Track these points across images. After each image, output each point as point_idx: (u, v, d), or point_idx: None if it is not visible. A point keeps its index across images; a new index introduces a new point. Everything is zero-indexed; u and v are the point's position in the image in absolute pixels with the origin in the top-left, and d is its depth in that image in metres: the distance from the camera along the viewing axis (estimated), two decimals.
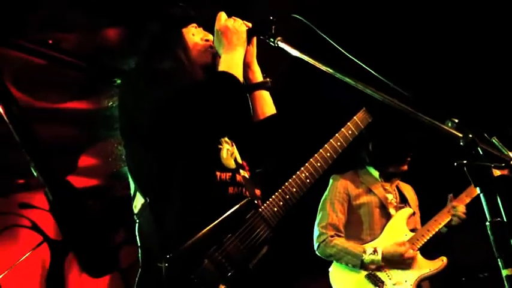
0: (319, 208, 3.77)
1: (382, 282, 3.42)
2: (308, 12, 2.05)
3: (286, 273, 4.84)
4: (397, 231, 3.60)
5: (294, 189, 2.17)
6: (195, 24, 2.27)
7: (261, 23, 2.15)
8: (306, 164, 2.25)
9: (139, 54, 2.26)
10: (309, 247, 3.72)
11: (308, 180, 2.21)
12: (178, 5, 2.30)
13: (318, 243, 3.64)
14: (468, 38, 4.32)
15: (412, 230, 3.64)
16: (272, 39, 2.08)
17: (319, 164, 2.25)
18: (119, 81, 2.21)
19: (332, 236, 3.59)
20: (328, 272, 3.67)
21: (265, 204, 2.10)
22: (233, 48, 2.10)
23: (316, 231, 3.68)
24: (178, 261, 1.83)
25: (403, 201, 3.80)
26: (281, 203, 2.13)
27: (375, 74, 1.86)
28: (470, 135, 1.57)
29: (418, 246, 3.53)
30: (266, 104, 2.28)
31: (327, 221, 3.65)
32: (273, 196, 2.14)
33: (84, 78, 4.57)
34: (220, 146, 2.09)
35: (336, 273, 3.61)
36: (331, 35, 1.97)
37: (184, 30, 2.23)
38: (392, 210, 3.69)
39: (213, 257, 1.88)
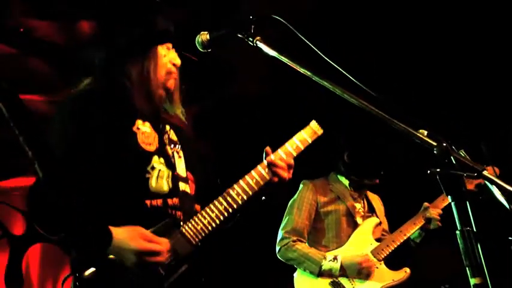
0: (286, 211, 3.77)
1: None
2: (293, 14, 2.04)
3: (253, 276, 4.83)
4: (363, 240, 3.63)
5: (223, 206, 2.14)
6: (170, 45, 2.28)
7: (240, 22, 2.13)
8: (239, 181, 2.19)
9: (111, 51, 2.24)
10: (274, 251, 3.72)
11: (239, 197, 2.15)
12: (162, 19, 2.30)
13: (279, 247, 3.64)
14: (444, 50, 4.39)
15: (377, 240, 3.66)
16: (251, 39, 2.07)
17: (254, 181, 2.19)
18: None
19: (294, 241, 3.60)
20: (292, 277, 3.67)
21: (188, 223, 2.08)
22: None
23: (279, 235, 3.68)
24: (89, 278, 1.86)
25: (371, 210, 3.84)
26: (206, 220, 2.10)
27: (354, 80, 1.86)
28: (444, 144, 1.59)
29: (383, 256, 3.56)
30: None
31: (292, 225, 3.65)
32: (199, 214, 2.12)
33: (53, 70, 4.46)
34: (149, 175, 2.09)
35: (300, 279, 3.61)
36: (313, 39, 1.96)
37: (159, 47, 2.24)
38: (359, 219, 3.71)
39: (126, 275, 1.88)
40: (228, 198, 2.15)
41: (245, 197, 2.16)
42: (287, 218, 3.73)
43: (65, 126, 2.05)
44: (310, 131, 2.31)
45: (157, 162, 2.13)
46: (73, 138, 2.01)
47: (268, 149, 2.24)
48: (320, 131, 2.33)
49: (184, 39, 2.33)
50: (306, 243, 3.65)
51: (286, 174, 2.20)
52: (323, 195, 3.76)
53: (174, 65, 2.27)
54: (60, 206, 1.84)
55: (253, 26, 2.07)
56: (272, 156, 2.21)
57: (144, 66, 2.19)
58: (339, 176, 3.86)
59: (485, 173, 1.54)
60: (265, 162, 2.21)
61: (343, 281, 3.46)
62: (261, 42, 2.04)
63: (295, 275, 3.66)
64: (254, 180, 2.18)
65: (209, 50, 2.22)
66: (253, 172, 2.21)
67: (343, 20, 4.25)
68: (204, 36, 2.22)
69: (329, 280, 3.47)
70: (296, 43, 1.98)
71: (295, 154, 2.25)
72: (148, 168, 2.09)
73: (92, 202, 1.94)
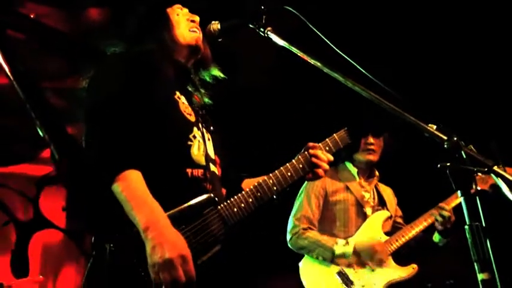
0: (295, 200, 3.75)
1: (352, 282, 3.42)
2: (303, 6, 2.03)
3: (255, 270, 4.83)
4: (372, 233, 3.61)
5: (259, 194, 2.13)
6: (179, 5, 2.28)
7: (252, 13, 2.12)
8: (276, 172, 2.20)
9: (124, 37, 2.24)
10: (279, 243, 3.71)
11: (275, 188, 2.16)
12: None
13: (291, 235, 3.63)
14: (453, 49, 4.37)
15: (387, 233, 3.64)
16: (262, 29, 2.06)
17: (289, 174, 2.20)
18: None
19: (305, 229, 3.59)
20: (297, 268, 3.66)
21: (225, 203, 2.06)
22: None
23: (290, 223, 3.67)
24: (123, 245, 1.82)
25: (381, 203, 3.80)
26: (242, 204, 2.08)
27: (365, 72, 1.85)
28: (455, 138, 1.58)
29: (391, 251, 3.54)
30: None
31: (302, 213, 3.64)
32: (235, 197, 2.10)
33: (63, 57, 4.47)
34: (191, 143, 2.06)
35: (306, 268, 3.60)
36: (324, 30, 1.95)
37: (169, 10, 2.25)
38: (368, 210, 3.69)
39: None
40: (265, 187, 2.15)
41: (282, 187, 2.18)
42: (297, 205, 3.72)
43: (114, 81, 1.99)
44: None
45: (197, 133, 2.11)
46: (121, 94, 1.94)
47: (310, 143, 2.29)
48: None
49: None
50: (316, 231, 3.62)
51: (325, 167, 2.25)
52: (332, 184, 3.74)
53: (192, 21, 2.25)
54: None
55: (264, 17, 2.07)
56: (315, 149, 2.26)
57: (162, 36, 2.19)
58: (347, 164, 3.84)
59: (495, 168, 1.53)
60: (307, 153, 2.24)
61: (349, 272, 3.46)
62: (272, 32, 2.04)
63: (300, 264, 3.65)
64: (293, 170, 2.21)
65: (220, 40, 2.22)
66: (294, 162, 2.23)
67: (349, 13, 4.23)
68: (215, 25, 2.22)
69: (336, 270, 3.47)
70: (307, 34, 1.98)
71: (334, 150, 2.33)
72: (191, 136, 2.07)
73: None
